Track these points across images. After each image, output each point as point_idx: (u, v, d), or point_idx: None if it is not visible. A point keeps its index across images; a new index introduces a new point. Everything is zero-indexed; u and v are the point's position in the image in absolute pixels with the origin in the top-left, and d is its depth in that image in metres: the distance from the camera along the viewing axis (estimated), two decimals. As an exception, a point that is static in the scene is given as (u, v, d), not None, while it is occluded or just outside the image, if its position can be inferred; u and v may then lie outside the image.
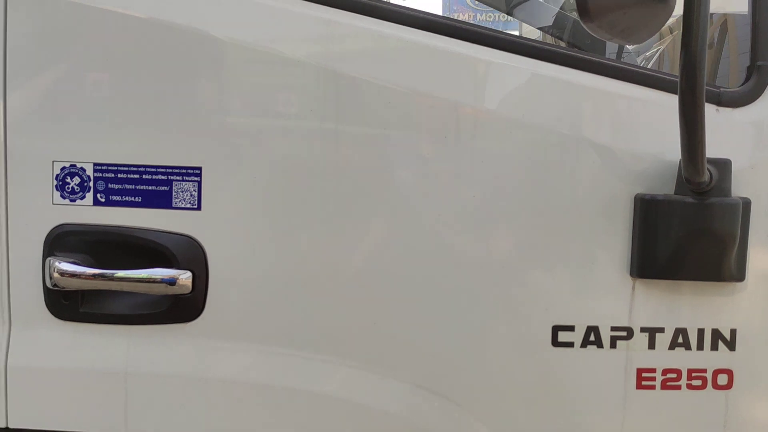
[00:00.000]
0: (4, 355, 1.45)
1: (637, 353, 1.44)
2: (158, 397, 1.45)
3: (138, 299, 1.44)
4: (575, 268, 1.44)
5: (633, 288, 1.43)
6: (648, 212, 1.39)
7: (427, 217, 1.43)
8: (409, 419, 1.46)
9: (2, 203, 1.41)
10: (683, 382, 1.45)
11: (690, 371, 1.45)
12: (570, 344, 1.44)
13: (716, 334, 1.44)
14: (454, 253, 1.44)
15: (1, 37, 1.39)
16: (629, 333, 1.44)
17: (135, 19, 1.40)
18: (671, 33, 2.56)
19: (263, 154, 1.41)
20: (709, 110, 1.40)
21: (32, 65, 1.41)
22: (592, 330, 1.44)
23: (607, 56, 2.40)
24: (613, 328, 1.44)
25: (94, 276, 1.40)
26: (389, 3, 1.51)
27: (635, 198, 1.40)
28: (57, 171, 1.41)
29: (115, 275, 1.40)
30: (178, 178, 1.40)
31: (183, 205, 1.41)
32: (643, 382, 1.45)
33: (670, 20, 1.46)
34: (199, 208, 1.41)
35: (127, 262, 1.41)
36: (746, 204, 1.39)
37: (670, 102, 1.25)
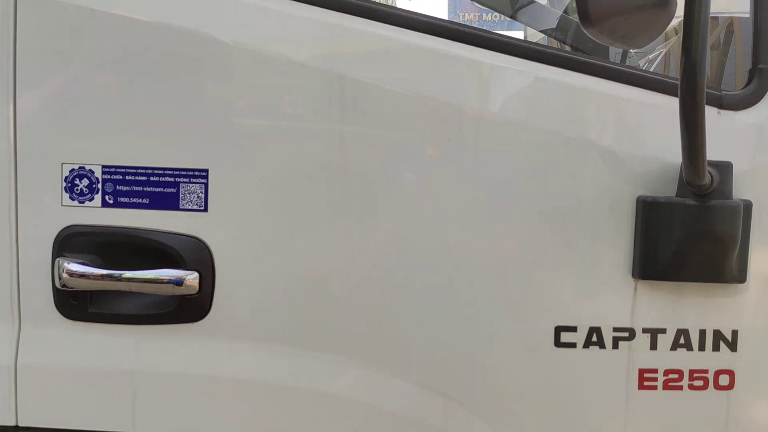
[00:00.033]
0: (14, 354, 1.46)
1: (639, 354, 1.45)
2: (166, 396, 1.46)
3: (146, 299, 1.45)
4: (578, 269, 1.45)
5: (635, 289, 1.44)
6: (650, 214, 1.39)
7: (432, 218, 1.43)
8: (414, 419, 1.47)
9: (12, 205, 1.43)
10: (685, 382, 1.46)
11: (692, 372, 1.45)
12: (572, 345, 1.44)
13: (718, 335, 1.45)
14: (458, 254, 1.45)
15: (11, 41, 1.40)
16: (631, 334, 1.44)
17: (142, 23, 1.41)
18: (676, 34, 2.57)
19: (269, 157, 1.42)
20: (711, 113, 1.41)
21: (41, 68, 1.42)
22: (595, 331, 1.44)
23: (610, 59, 2.41)
24: (615, 329, 1.44)
25: (103, 276, 1.41)
26: (394, 7, 1.52)
27: (637, 200, 1.41)
28: (66, 173, 1.42)
29: (123, 276, 1.41)
30: (185, 180, 1.41)
31: (190, 207, 1.42)
32: (645, 383, 1.45)
33: (674, 21, 1.47)
34: (206, 209, 1.42)
35: (135, 262, 1.42)
36: (747, 206, 1.39)
37: (672, 105, 1.25)
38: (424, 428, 1.48)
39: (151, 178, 1.42)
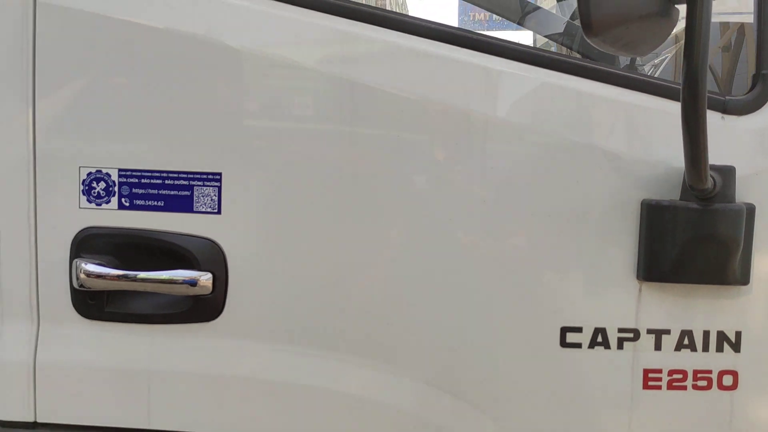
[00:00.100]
0: (33, 352, 1.49)
1: (643, 354, 1.46)
2: (180, 394, 1.49)
3: (160, 299, 1.47)
4: (583, 271, 1.46)
5: (639, 291, 1.45)
6: (654, 217, 1.41)
7: (440, 219, 1.45)
8: (421, 416, 1.49)
9: (31, 207, 1.45)
10: (689, 382, 1.47)
11: (695, 372, 1.47)
12: (578, 345, 1.46)
13: (721, 336, 1.46)
14: (465, 255, 1.46)
15: (31, 47, 1.43)
16: (636, 334, 1.46)
17: (157, 30, 1.43)
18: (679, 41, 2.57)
19: (281, 160, 1.45)
20: (715, 118, 1.43)
21: (60, 74, 1.44)
22: (600, 331, 1.46)
23: (616, 64, 2.41)
24: (620, 330, 1.46)
25: (119, 277, 1.43)
26: (403, 14, 1.54)
27: (642, 203, 1.42)
28: (83, 176, 1.45)
29: (139, 276, 1.43)
30: (199, 183, 1.44)
31: (204, 209, 1.45)
32: (650, 383, 1.47)
33: (681, 26, 1.48)
34: (219, 212, 1.44)
35: (150, 263, 1.44)
36: (750, 209, 1.40)
37: (676, 109, 1.26)
38: (432, 426, 1.50)
39: (166, 182, 1.44)
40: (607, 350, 1.46)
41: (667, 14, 1.16)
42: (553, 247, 1.46)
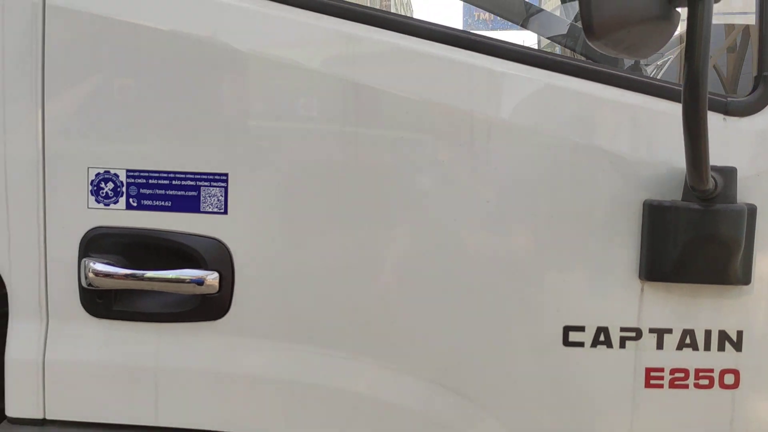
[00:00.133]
0: (42, 350, 1.51)
1: (645, 353, 1.47)
2: (187, 391, 1.50)
3: (168, 298, 1.49)
4: (586, 271, 1.47)
5: (642, 290, 1.46)
6: (656, 218, 1.42)
7: (444, 219, 1.47)
8: (425, 414, 1.51)
9: (41, 207, 1.47)
10: (691, 381, 1.48)
11: (697, 371, 1.48)
12: (580, 344, 1.47)
13: (723, 335, 1.47)
14: (469, 254, 1.48)
15: (40, 50, 1.44)
16: (638, 334, 1.47)
17: (164, 32, 1.45)
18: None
19: (287, 161, 1.46)
20: (716, 119, 1.44)
21: (68, 77, 1.46)
22: (602, 330, 1.47)
23: (620, 66, 2.42)
24: (623, 329, 1.47)
25: (127, 276, 1.45)
26: (407, 17, 1.56)
27: (644, 204, 1.43)
28: (92, 177, 1.47)
29: (146, 275, 1.45)
30: (205, 183, 1.46)
31: (210, 209, 1.46)
32: (652, 381, 1.48)
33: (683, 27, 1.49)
34: (225, 212, 1.46)
35: (158, 263, 1.46)
36: (752, 210, 1.41)
37: (678, 111, 1.27)
38: (436, 424, 1.51)
39: (173, 182, 1.46)
40: (610, 349, 1.47)
41: (668, 17, 1.16)
42: (556, 247, 1.47)
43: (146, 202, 1.47)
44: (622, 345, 1.47)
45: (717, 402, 1.49)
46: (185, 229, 1.47)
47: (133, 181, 1.47)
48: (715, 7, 1.17)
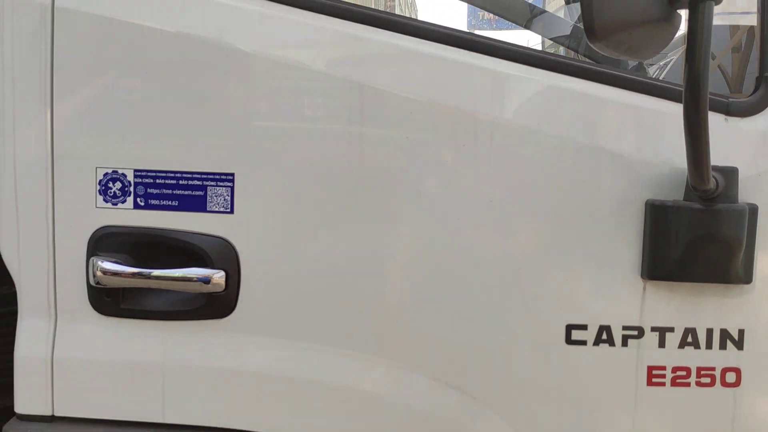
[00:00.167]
0: (51, 347, 1.52)
1: (647, 351, 1.48)
2: (193, 388, 1.52)
3: (174, 296, 1.50)
4: (588, 270, 1.48)
5: (644, 289, 1.47)
6: (658, 217, 1.43)
7: (448, 219, 1.48)
8: (429, 411, 1.52)
9: (50, 207, 1.49)
10: (692, 379, 1.49)
11: (699, 369, 1.49)
12: (583, 342, 1.48)
13: (725, 334, 1.48)
14: (473, 253, 1.49)
15: (49, 51, 1.46)
16: (640, 332, 1.48)
17: (170, 34, 1.46)
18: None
19: (292, 162, 1.47)
20: (718, 120, 1.45)
21: (77, 78, 1.48)
22: (605, 329, 1.48)
23: (623, 66, 2.42)
24: (625, 327, 1.48)
25: (134, 275, 1.47)
26: (412, 18, 1.57)
27: (646, 203, 1.44)
28: (100, 177, 1.48)
29: (154, 274, 1.46)
30: (212, 183, 1.47)
31: (217, 209, 1.47)
32: (654, 379, 1.49)
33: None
34: (231, 211, 1.47)
35: (165, 261, 1.48)
36: (753, 209, 1.42)
37: (680, 111, 1.27)
38: (440, 421, 1.52)
39: (180, 182, 1.48)
40: (612, 347, 1.48)
41: (669, 19, 1.17)
42: (560, 246, 1.48)
43: (153, 202, 1.49)
44: (625, 343, 1.48)
45: (718, 400, 1.50)
46: (192, 229, 1.49)
47: (140, 180, 1.48)
48: (717, 7, 1.18)
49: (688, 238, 1.42)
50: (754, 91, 1.48)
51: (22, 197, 1.49)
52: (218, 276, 1.46)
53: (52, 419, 1.53)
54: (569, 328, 1.48)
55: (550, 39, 2.99)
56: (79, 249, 1.49)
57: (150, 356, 1.52)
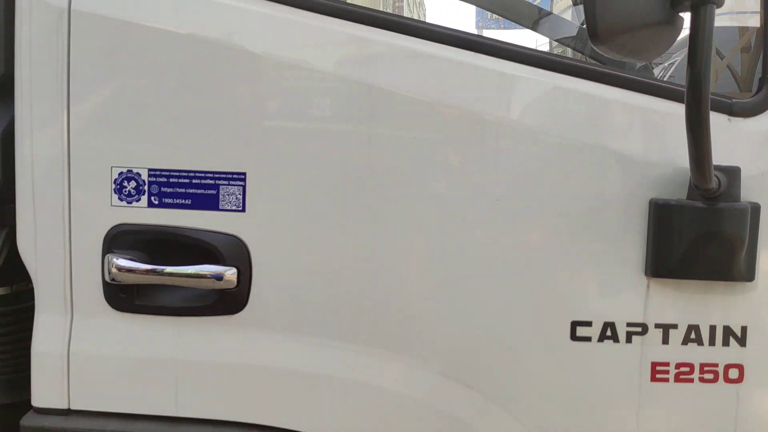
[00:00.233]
0: (67, 342, 1.55)
1: (651, 348, 1.50)
2: (205, 383, 1.54)
3: (187, 293, 1.53)
4: (593, 268, 1.50)
5: (648, 286, 1.49)
6: (662, 216, 1.44)
7: (455, 217, 1.50)
8: (436, 406, 1.54)
9: (66, 205, 1.52)
10: (696, 375, 1.50)
11: (702, 365, 1.50)
12: (587, 339, 1.50)
13: (728, 331, 1.50)
14: (479, 251, 1.51)
15: (66, 53, 1.49)
16: (644, 329, 1.50)
17: (183, 36, 1.49)
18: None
19: (303, 161, 1.49)
20: (721, 120, 1.46)
21: (93, 79, 1.50)
22: (609, 325, 1.50)
23: (628, 67, 2.43)
24: (629, 324, 1.49)
25: (148, 271, 1.49)
26: (419, 20, 1.59)
27: (650, 202, 1.46)
28: (115, 176, 1.51)
29: (167, 271, 1.49)
30: (224, 182, 1.50)
31: (229, 207, 1.50)
32: (657, 375, 1.50)
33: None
34: (243, 210, 1.50)
35: (178, 258, 1.50)
36: (755, 208, 1.44)
37: (683, 112, 1.29)
38: (446, 416, 1.54)
39: (193, 181, 1.50)
40: (616, 344, 1.50)
41: (671, 22, 1.19)
42: (565, 244, 1.50)
43: (167, 200, 1.51)
44: (629, 340, 1.50)
45: (721, 396, 1.51)
46: (205, 226, 1.51)
47: (154, 180, 1.51)
48: (723, 7, 1.20)
49: (692, 236, 1.44)
50: (757, 91, 1.49)
51: (39, 196, 1.52)
52: (230, 273, 1.49)
53: (68, 413, 1.56)
54: (574, 324, 1.50)
55: (556, 41, 3.01)
56: (95, 246, 1.52)
57: (163, 351, 1.55)
